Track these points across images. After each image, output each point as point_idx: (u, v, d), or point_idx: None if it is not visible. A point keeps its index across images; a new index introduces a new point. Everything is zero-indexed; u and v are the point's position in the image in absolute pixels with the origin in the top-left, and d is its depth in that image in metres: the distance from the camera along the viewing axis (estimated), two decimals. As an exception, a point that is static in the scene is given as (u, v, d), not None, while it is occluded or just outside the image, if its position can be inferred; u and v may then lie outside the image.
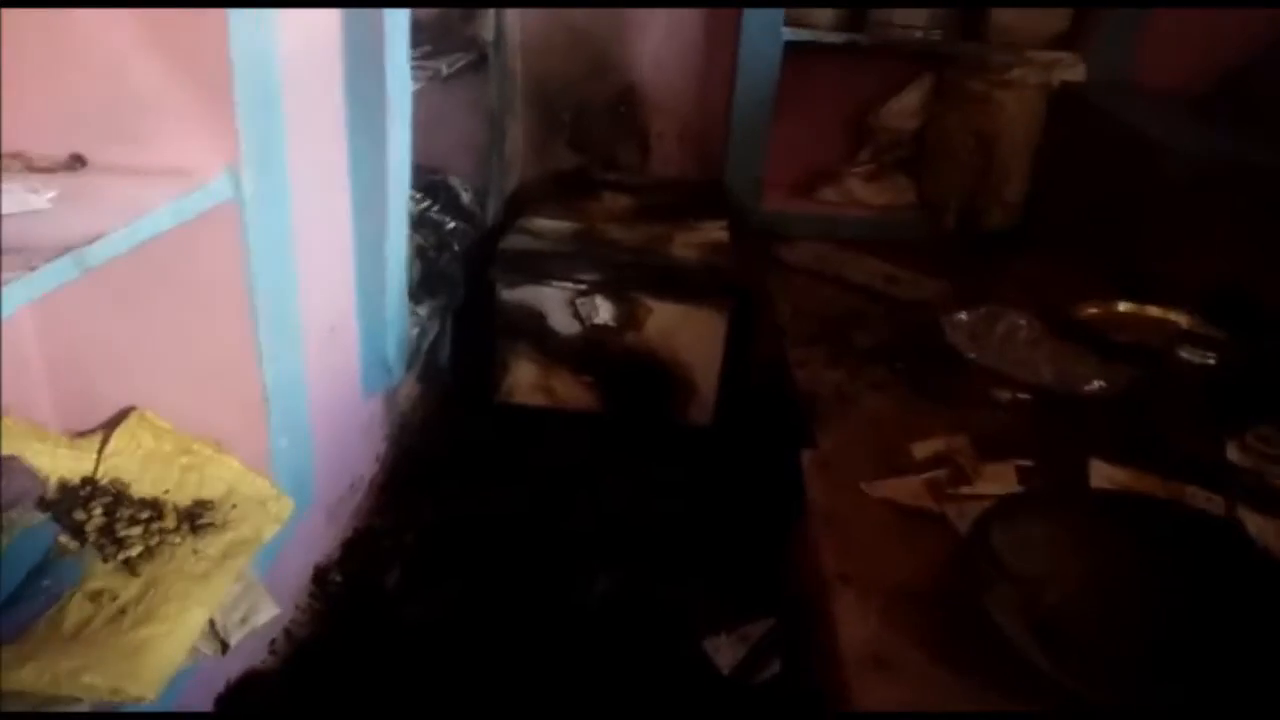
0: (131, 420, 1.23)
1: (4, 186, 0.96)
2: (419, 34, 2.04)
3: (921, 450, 1.34)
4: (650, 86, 2.72)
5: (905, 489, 1.26)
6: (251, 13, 1.09)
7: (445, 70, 1.92)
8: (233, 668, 1.37)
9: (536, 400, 2.17)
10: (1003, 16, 2.57)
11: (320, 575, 1.61)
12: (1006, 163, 2.65)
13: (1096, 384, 1.54)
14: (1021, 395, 1.53)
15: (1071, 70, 2.58)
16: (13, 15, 1.05)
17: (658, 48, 2.68)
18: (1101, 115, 2.36)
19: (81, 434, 1.24)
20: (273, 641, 1.48)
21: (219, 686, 1.35)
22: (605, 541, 1.77)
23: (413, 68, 1.83)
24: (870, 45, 2.58)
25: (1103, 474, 1.31)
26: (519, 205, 2.47)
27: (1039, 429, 1.45)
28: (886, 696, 0.97)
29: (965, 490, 1.26)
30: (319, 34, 1.42)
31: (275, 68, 1.18)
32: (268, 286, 1.21)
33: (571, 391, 2.16)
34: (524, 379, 2.16)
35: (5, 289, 0.79)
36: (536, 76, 2.66)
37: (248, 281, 1.18)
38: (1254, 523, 1.23)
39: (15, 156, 1.07)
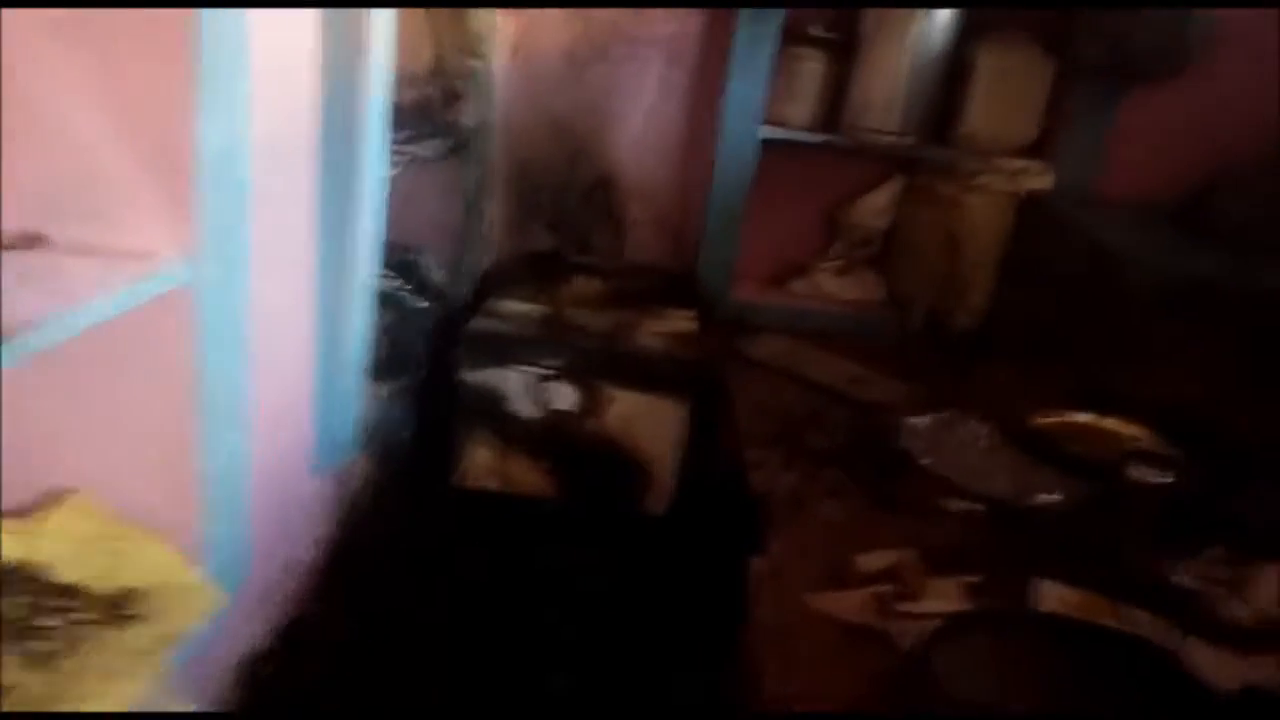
0: (66, 504, 1.20)
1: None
2: (401, 119, 2.08)
3: (868, 563, 1.33)
4: (628, 175, 2.76)
5: (849, 604, 1.25)
6: (225, 99, 1.11)
7: (424, 156, 1.94)
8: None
9: (493, 484, 2.15)
10: (972, 124, 2.64)
11: (247, 669, 1.56)
12: (972, 266, 2.69)
13: (1049, 497, 1.54)
14: (974, 505, 1.53)
15: (1039, 178, 2.65)
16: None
17: (637, 138, 2.73)
18: (1065, 225, 2.42)
19: (14, 515, 1.21)
20: (197, 737, 1.42)
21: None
22: (553, 636, 1.74)
23: (392, 152, 1.86)
24: (844, 146, 2.65)
25: (1051, 595, 1.30)
26: (491, 285, 2.48)
27: (989, 542, 1.44)
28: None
29: (910, 607, 1.24)
30: (298, 118, 1.44)
31: (245, 157, 1.18)
32: (217, 371, 1.20)
33: (528, 476, 2.14)
34: (482, 462, 2.14)
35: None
36: (517, 160, 2.70)
37: (196, 367, 1.17)
38: (1199, 651, 1.22)
39: (-34, 232, 1.07)
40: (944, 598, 1.28)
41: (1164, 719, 1.05)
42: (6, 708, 0.99)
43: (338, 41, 1.45)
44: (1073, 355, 2.12)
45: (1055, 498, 1.54)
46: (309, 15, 1.39)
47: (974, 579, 1.33)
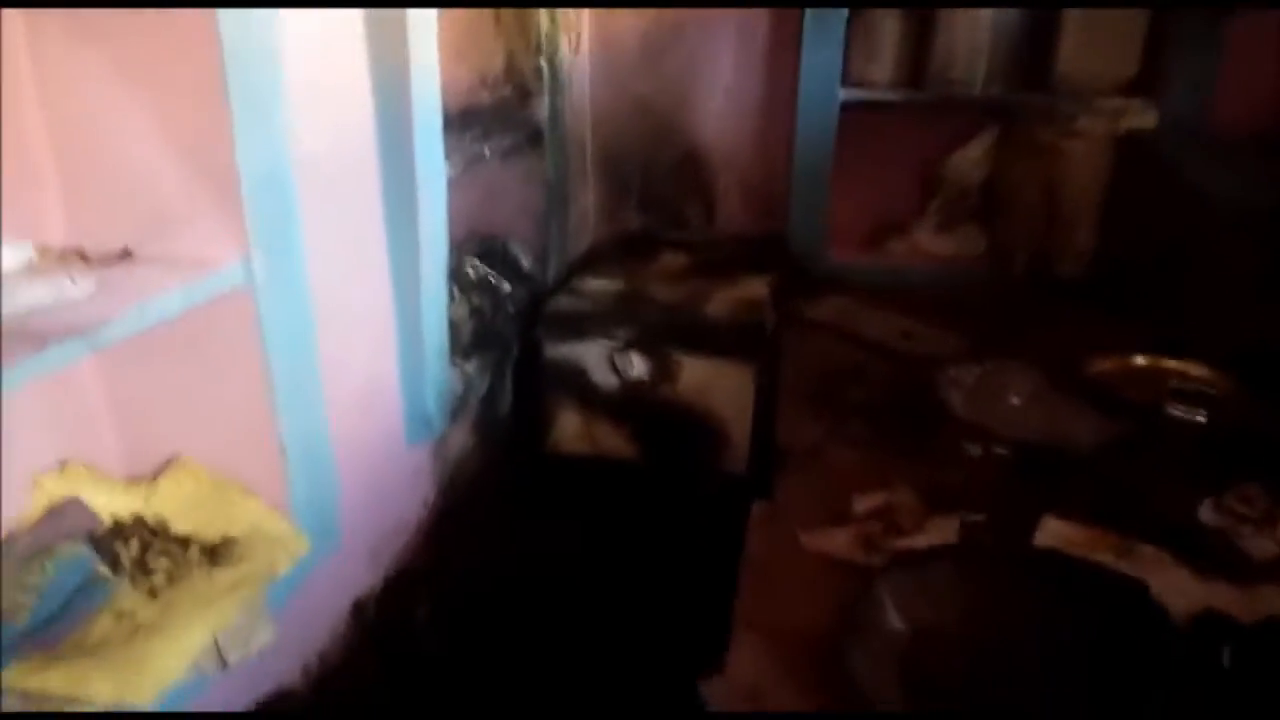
0: (176, 466, 1.46)
1: (48, 279, 1.21)
2: (479, 118, 2.28)
3: (862, 503, 1.38)
4: (713, 148, 2.86)
5: (837, 541, 1.31)
6: (261, 127, 1.31)
7: (488, 154, 2.12)
8: (264, 687, 1.58)
9: (581, 449, 2.32)
10: (1067, 64, 2.54)
11: (358, 608, 1.81)
12: (1075, 211, 2.60)
13: (1082, 440, 1.53)
14: (999, 450, 1.54)
15: (1141, 117, 2.52)
16: (71, 137, 1.30)
17: (719, 111, 2.82)
18: (1161, 163, 2.30)
19: (137, 478, 1.49)
20: (306, 665, 1.68)
21: (249, 702, 1.55)
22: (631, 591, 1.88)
23: (470, 149, 2.07)
24: (930, 101, 2.62)
25: (1051, 530, 1.31)
26: (584, 266, 2.65)
27: (1005, 484, 1.46)
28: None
29: (900, 543, 1.30)
30: (352, 132, 1.66)
31: (286, 173, 1.39)
32: (283, 357, 1.42)
33: (612, 441, 2.29)
34: (569, 430, 2.31)
35: (18, 365, 1.02)
36: (605, 145, 2.85)
37: (262, 354, 1.39)
38: (1193, 587, 1.21)
39: (73, 251, 1.33)
40: (939, 534, 1.31)
41: (1116, 648, 1.06)
42: (120, 628, 1.25)
43: (383, 61, 1.65)
44: (1170, 302, 2.04)
45: (1087, 440, 1.53)
46: (353, 44, 1.60)
47: (977, 517, 1.36)
